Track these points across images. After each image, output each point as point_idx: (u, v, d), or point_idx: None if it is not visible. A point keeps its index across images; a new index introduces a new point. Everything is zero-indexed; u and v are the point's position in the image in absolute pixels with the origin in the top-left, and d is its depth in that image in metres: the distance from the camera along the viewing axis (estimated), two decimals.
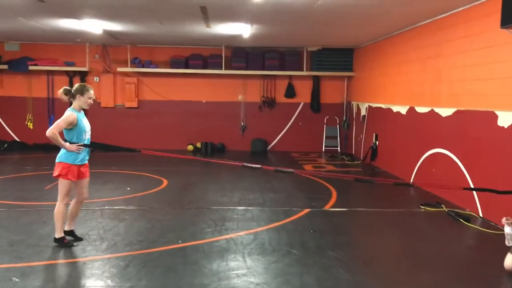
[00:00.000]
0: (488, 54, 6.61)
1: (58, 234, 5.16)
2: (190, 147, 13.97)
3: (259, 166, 5.94)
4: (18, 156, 12.60)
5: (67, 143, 5.03)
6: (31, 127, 13.90)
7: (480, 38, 6.80)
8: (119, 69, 13.61)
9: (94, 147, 5.36)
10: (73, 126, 5.06)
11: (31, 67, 13.37)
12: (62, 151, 5.09)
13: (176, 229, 5.92)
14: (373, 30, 10.15)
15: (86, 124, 5.25)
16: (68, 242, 5.18)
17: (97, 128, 14.03)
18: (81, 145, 5.08)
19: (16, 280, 4.24)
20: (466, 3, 7.05)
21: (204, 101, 14.14)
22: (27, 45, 13.49)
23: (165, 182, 9.03)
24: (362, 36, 11.23)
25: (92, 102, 5.24)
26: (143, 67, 13.63)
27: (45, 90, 13.86)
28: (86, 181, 5.32)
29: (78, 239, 5.35)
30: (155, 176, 9.50)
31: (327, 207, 7.26)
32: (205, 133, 14.01)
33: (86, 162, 5.28)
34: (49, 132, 4.94)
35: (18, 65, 13.35)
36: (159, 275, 4.47)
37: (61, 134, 5.05)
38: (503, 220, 4.66)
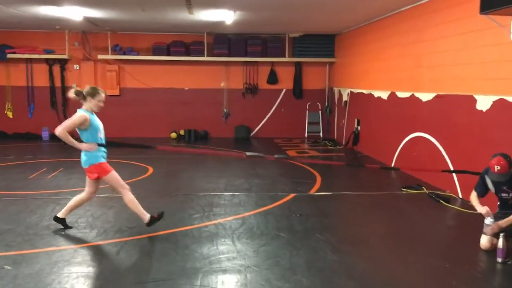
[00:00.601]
0: (468, 39, 6.77)
1: (146, 219, 5.26)
2: (174, 135, 13.96)
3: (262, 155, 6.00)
4: None
5: (82, 143, 5.06)
6: (11, 116, 13.69)
7: (460, 24, 6.95)
8: (100, 57, 13.46)
9: (108, 145, 5.34)
10: (86, 126, 5.06)
11: (9, 55, 13.13)
12: (83, 156, 5.13)
13: (165, 216, 5.96)
14: (355, 16, 10.25)
15: (99, 123, 5.25)
16: (158, 216, 5.30)
17: None
18: (94, 144, 5.10)
19: (8, 268, 4.27)
20: None
21: (186, 88, 14.11)
22: (5, 32, 13.21)
23: (151, 169, 9.05)
24: (343, 22, 11.32)
25: (103, 105, 5.21)
26: (124, 54, 13.50)
27: (24, 79, 13.64)
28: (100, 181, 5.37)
29: (68, 227, 5.37)
30: (141, 164, 9.49)
31: (312, 192, 7.40)
32: (188, 121, 14.01)
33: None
34: (59, 132, 4.92)
35: None
36: (151, 260, 4.54)
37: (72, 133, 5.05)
38: (486, 213, 4.82)
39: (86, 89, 5.15)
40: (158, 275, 4.19)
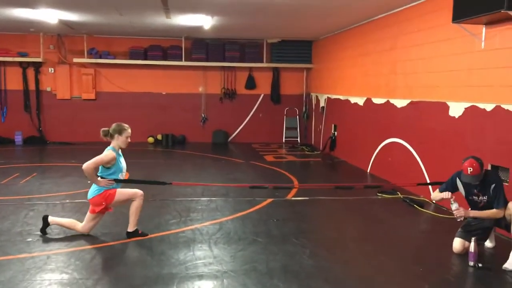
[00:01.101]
0: (440, 47, 6.94)
1: (131, 228, 5.19)
2: (151, 139, 13.85)
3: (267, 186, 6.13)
4: None
5: (100, 179, 5.04)
6: None
7: (433, 32, 7.12)
8: (75, 60, 13.26)
9: (123, 182, 5.29)
10: (111, 165, 5.06)
11: None
12: (95, 187, 5.09)
13: (141, 221, 5.86)
14: (332, 23, 10.39)
15: (123, 164, 5.25)
16: (142, 232, 5.25)
17: (54, 120, 13.89)
18: (111, 180, 5.07)
19: None
20: None
21: (164, 93, 14.03)
22: None
23: (127, 174, 8.91)
24: (320, 29, 11.46)
25: (129, 140, 5.23)
26: (100, 58, 13.34)
27: None
28: (102, 216, 5.32)
29: (44, 232, 5.30)
30: None
31: (289, 196, 7.44)
32: (165, 125, 13.92)
33: None
34: (86, 167, 4.91)
35: None
36: (126, 266, 4.50)
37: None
38: (451, 199, 4.93)
39: (112, 127, 5.19)
40: (133, 281, 4.15)
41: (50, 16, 9.78)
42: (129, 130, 5.25)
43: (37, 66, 13.39)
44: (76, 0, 8.16)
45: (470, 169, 4.69)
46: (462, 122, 6.45)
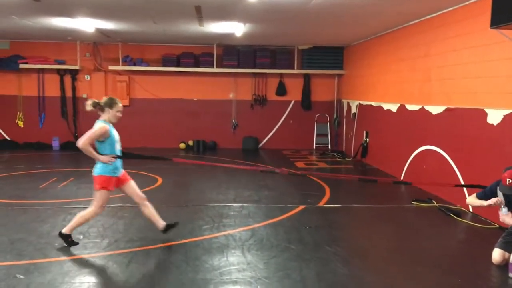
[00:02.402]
0: (478, 53, 6.79)
1: (68, 231, 5.18)
2: (182, 145, 14.03)
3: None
4: (8, 155, 12.52)
5: (102, 156, 5.06)
6: (22, 126, 13.83)
7: (470, 38, 6.98)
8: (110, 67, 13.60)
9: (126, 157, 5.36)
10: (105, 138, 5.08)
11: (21, 65, 13.30)
12: (98, 164, 5.12)
13: (178, 226, 6.00)
14: (364, 29, 10.31)
15: (116, 134, 5.28)
16: (71, 241, 5.21)
17: (89, 126, 14.06)
18: (114, 157, 5.12)
19: (21, 277, 4.30)
20: (456, 3, 7.23)
21: (195, 99, 14.20)
22: (18, 43, 13.41)
23: (160, 180, 9.09)
24: (352, 35, 11.39)
25: (121, 115, 5.26)
26: (134, 65, 13.63)
27: (35, 89, 13.79)
28: (131, 183, 5.36)
29: (175, 223, 5.49)
30: (150, 174, 9.55)
31: (321, 204, 7.40)
32: (197, 131, 14.08)
33: (123, 171, 5.32)
34: (82, 144, 4.93)
35: (9, 64, 13.28)
36: (162, 271, 4.56)
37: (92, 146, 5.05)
38: (502, 205, 4.80)
39: (103, 100, 5.18)
40: (168, 286, 4.21)
41: (87, 25, 10.07)
42: (121, 105, 5.20)
43: (73, 73, 13.79)
44: (112, 9, 8.38)
45: (509, 180, 4.57)
46: (501, 130, 6.28)
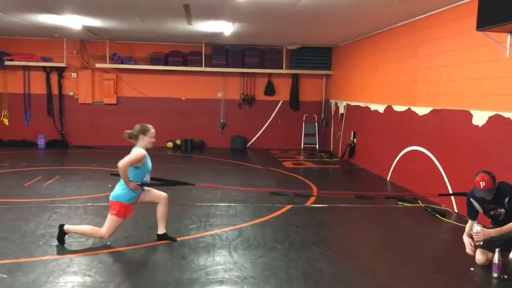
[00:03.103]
0: (464, 55, 6.86)
1: (68, 231, 5.17)
2: (170, 144, 13.97)
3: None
4: None
5: (131, 182, 5.03)
6: (7, 123, 13.63)
7: (457, 40, 7.05)
8: (98, 65, 13.48)
9: (151, 184, 5.34)
10: (141, 164, 5.07)
11: (7, 62, 13.12)
12: (121, 189, 5.07)
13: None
14: (352, 30, 10.36)
15: (150, 165, 5.24)
16: (63, 239, 5.19)
17: (76, 124, 14.11)
18: (139, 184, 5.10)
19: (4, 276, 4.24)
20: (443, 5, 7.30)
21: (184, 98, 14.14)
22: (3, 39, 13.20)
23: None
24: (340, 36, 11.43)
25: (154, 140, 5.24)
26: (122, 63, 13.52)
27: (21, 86, 13.61)
28: (152, 190, 5.34)
29: (173, 239, 5.36)
30: None
31: (308, 204, 7.42)
32: (185, 130, 14.02)
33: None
34: (122, 164, 4.90)
35: None
36: (147, 270, 4.53)
37: None
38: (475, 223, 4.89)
39: (136, 128, 5.19)
40: (154, 285, 4.18)
41: (74, 22, 9.97)
42: (153, 130, 5.24)
43: (60, 71, 13.64)
44: (100, 6, 8.30)
45: (482, 184, 4.58)
46: (486, 131, 6.36)
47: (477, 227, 4.77)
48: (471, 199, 4.85)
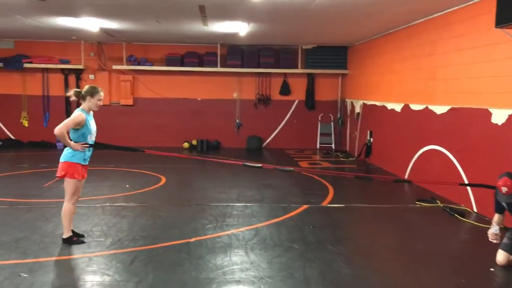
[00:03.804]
0: (482, 52, 6.76)
1: (66, 234, 5.20)
2: (186, 145, 14.04)
3: (259, 165, 6.06)
4: (13, 154, 12.58)
5: (72, 142, 5.07)
6: (26, 125, 13.88)
7: (475, 37, 6.95)
8: (115, 67, 13.62)
9: (98, 147, 5.39)
10: (80, 126, 5.09)
11: (26, 65, 13.36)
12: (67, 150, 5.12)
13: (178, 225, 6.02)
14: (368, 29, 10.29)
15: (93, 126, 5.27)
16: (77, 239, 5.24)
17: (97, 125, 14.18)
18: (86, 145, 5.13)
19: (25, 276, 4.31)
20: (461, 2, 7.20)
21: (199, 99, 14.21)
22: (22, 42, 13.46)
23: (163, 179, 9.10)
24: (356, 34, 11.36)
25: (101, 104, 5.29)
26: (138, 64, 13.65)
27: (40, 88, 13.85)
28: (83, 181, 5.36)
29: (80, 235, 5.40)
30: (153, 173, 9.56)
31: (324, 203, 7.39)
32: (200, 131, 14.09)
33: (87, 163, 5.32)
34: (58, 130, 4.97)
35: (13, 63, 13.33)
36: (165, 270, 4.56)
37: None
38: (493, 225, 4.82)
39: (85, 88, 5.23)
40: (171, 285, 4.21)
41: (92, 24, 10.10)
42: (102, 94, 5.24)
43: (78, 73, 13.83)
44: (117, 9, 8.39)
45: (504, 189, 4.48)
46: (506, 130, 6.25)
47: (494, 228, 4.69)
48: (497, 197, 4.77)
